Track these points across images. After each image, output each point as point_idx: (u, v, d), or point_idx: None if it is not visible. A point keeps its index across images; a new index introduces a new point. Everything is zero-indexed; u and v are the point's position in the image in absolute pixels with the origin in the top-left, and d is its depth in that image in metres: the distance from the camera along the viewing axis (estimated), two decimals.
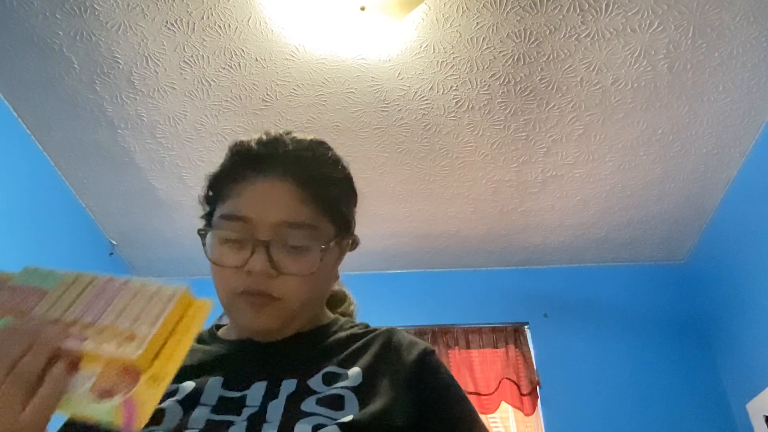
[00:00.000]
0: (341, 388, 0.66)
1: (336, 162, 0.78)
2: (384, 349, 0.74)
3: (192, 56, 2.29)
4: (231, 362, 0.73)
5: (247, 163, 0.73)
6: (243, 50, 2.27)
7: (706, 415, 3.05)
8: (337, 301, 0.94)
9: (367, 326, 0.81)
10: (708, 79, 2.38)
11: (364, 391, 0.66)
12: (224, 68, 2.34)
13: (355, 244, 0.83)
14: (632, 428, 3.02)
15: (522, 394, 3.12)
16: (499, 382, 3.16)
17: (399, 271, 3.62)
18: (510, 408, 3.16)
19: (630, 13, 2.12)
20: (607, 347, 3.28)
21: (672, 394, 3.12)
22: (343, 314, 0.92)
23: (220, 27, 2.18)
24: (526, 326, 3.39)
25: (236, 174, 0.73)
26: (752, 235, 2.79)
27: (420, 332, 3.32)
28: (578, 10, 2.11)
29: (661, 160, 2.80)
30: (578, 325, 3.37)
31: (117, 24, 2.16)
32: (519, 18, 2.14)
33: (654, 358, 3.23)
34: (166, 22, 2.16)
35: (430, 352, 0.75)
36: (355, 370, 0.69)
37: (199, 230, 0.73)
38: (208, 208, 0.77)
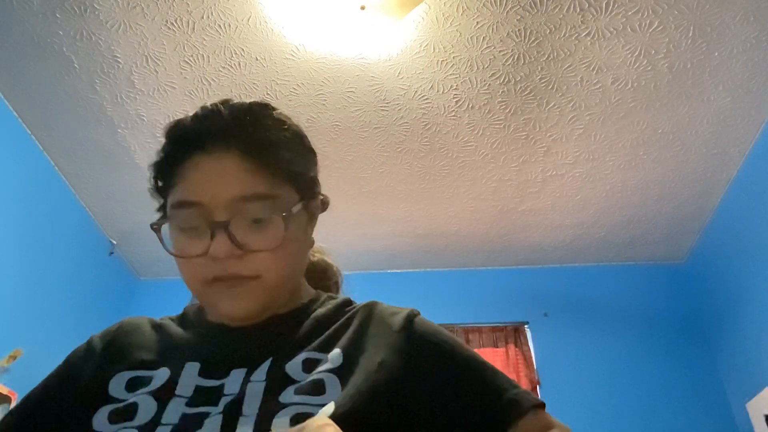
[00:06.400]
0: (321, 372, 0.63)
1: (281, 122, 0.72)
2: (365, 324, 0.69)
3: (192, 55, 2.29)
4: (208, 348, 0.69)
5: (186, 143, 0.67)
6: (243, 49, 2.27)
7: (706, 414, 3.05)
8: (319, 272, 0.88)
9: (350, 302, 0.76)
10: (708, 78, 2.38)
11: (346, 372, 0.62)
12: (224, 67, 2.34)
13: (325, 204, 0.78)
14: (632, 427, 3.01)
15: None
16: None
17: (399, 271, 3.62)
18: None
19: (630, 13, 2.12)
20: (606, 347, 3.28)
21: (672, 394, 3.12)
22: (326, 288, 0.87)
23: (220, 26, 2.18)
24: (526, 326, 3.39)
25: (177, 157, 0.67)
26: (752, 235, 2.79)
27: None
28: (578, 10, 2.11)
29: (661, 160, 2.80)
30: (578, 325, 3.37)
31: (117, 23, 2.16)
32: (519, 17, 2.14)
33: (654, 357, 3.23)
34: (166, 21, 2.16)
35: (415, 314, 0.72)
36: (335, 353, 0.65)
37: (151, 225, 0.67)
38: (162, 200, 0.71)
